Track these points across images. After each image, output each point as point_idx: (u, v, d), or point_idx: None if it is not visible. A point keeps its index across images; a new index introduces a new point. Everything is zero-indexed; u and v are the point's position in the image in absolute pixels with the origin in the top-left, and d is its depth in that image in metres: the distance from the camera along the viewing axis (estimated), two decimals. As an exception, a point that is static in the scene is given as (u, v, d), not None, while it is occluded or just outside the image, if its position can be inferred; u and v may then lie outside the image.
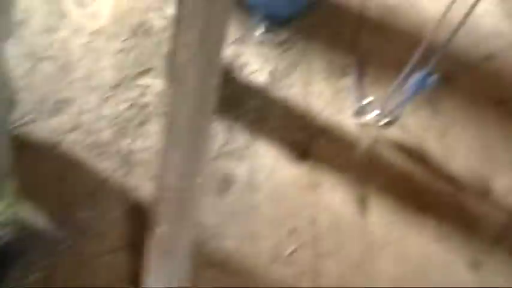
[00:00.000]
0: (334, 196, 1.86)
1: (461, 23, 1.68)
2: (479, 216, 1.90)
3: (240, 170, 1.88)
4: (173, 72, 1.45)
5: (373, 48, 2.23)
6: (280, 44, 2.20)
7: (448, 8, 1.70)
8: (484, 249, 1.84)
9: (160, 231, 1.47)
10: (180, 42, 1.41)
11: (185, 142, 1.42)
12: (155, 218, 1.48)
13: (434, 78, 1.80)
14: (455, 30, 1.70)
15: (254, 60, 2.15)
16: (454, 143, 2.02)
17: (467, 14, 1.66)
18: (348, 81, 2.13)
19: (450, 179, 1.95)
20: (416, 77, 1.81)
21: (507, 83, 2.19)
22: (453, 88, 2.15)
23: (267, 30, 2.21)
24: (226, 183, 1.85)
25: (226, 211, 1.80)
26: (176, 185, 1.44)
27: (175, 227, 1.47)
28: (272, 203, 1.83)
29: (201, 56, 1.38)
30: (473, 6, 1.64)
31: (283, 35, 2.22)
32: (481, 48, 2.29)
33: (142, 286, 1.55)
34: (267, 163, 1.91)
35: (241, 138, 1.95)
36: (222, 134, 1.94)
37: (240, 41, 2.19)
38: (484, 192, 1.94)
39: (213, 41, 1.38)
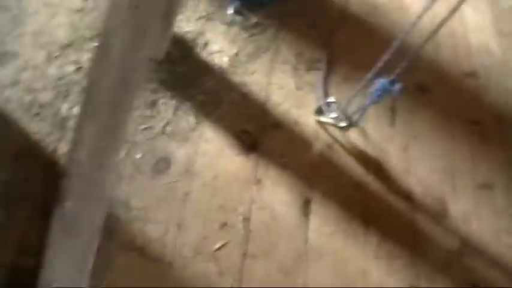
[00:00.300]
0: (275, 195, 1.74)
1: (436, 30, 1.57)
2: (428, 239, 1.78)
3: (180, 153, 1.77)
4: (101, 38, 1.34)
5: (347, 46, 2.10)
6: (250, 27, 2.09)
7: (424, 11, 1.57)
8: (427, 275, 1.72)
9: (67, 206, 1.37)
10: (113, 5, 1.30)
11: (103, 116, 1.31)
12: (63, 192, 1.38)
13: (399, 86, 1.67)
14: (429, 37, 1.58)
15: (219, 40, 2.03)
16: (415, 158, 1.89)
17: (444, 21, 1.54)
18: (313, 77, 2.00)
19: (404, 196, 1.82)
20: (381, 82, 1.68)
21: (484, 103, 2.06)
22: (426, 100, 2.02)
23: (239, 11, 2.09)
24: (163, 164, 1.74)
25: (157, 194, 1.69)
26: (87, 160, 1.33)
27: (82, 204, 1.37)
28: (207, 192, 1.72)
29: (132, 24, 1.27)
30: (452, 12, 1.52)
31: (254, 18, 2.10)
32: (465, 63, 2.16)
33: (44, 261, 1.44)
34: (210, 150, 1.79)
35: (187, 119, 1.84)
36: (168, 112, 1.83)
37: (208, 17, 2.08)
38: (438, 215, 1.82)
39: (146, 7, 1.27)
